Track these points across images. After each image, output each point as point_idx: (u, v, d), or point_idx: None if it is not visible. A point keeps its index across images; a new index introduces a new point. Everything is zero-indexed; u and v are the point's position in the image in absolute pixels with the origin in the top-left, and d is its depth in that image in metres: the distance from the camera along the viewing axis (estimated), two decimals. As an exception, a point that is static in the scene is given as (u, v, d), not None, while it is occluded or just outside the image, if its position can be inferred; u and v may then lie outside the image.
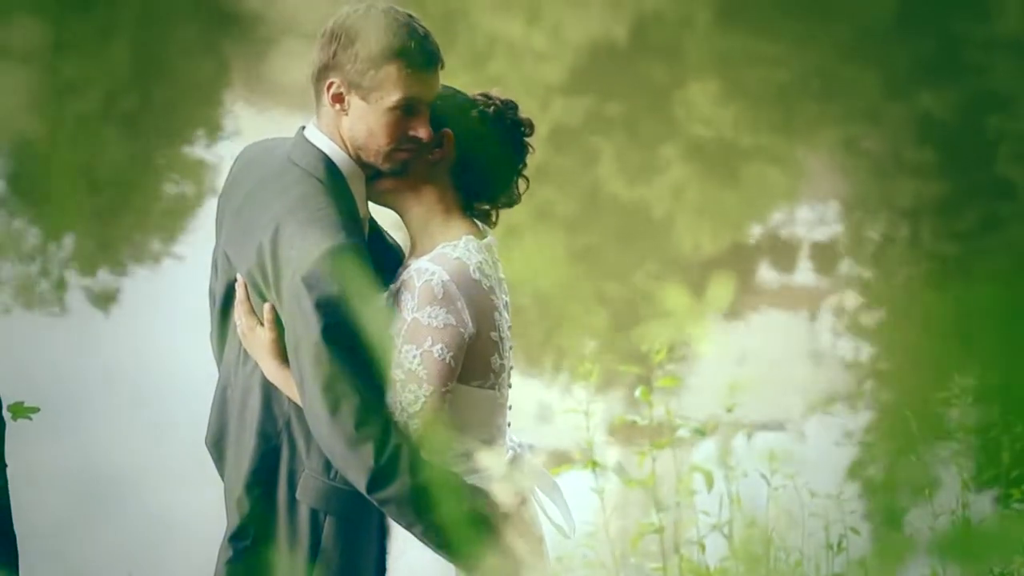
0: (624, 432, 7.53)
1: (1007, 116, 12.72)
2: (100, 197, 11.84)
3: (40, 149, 12.14)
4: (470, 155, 3.56)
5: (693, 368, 8.60)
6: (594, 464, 5.62)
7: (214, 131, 13.41)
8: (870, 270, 11.49)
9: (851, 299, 11.04)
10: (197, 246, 11.16)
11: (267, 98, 13.96)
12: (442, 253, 3.48)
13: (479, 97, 3.60)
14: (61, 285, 10.47)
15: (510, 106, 3.61)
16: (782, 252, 11.59)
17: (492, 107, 3.58)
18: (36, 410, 4.38)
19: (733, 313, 10.77)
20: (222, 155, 12.73)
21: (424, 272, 3.44)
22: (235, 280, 3.54)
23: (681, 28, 13.85)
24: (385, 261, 3.62)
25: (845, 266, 11.57)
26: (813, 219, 12.13)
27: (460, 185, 3.56)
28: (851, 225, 12.01)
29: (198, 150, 13.05)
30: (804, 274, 11.45)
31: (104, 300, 10.36)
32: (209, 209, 11.83)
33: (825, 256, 11.60)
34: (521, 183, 3.64)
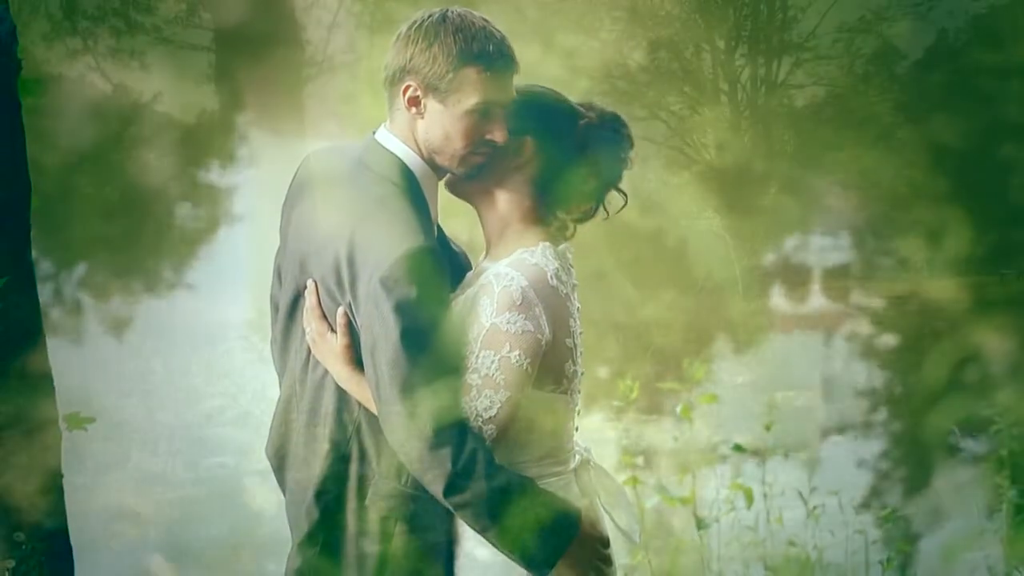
0: (644, 453, 7.53)
1: (1021, 144, 12.73)
2: (113, 225, 11.84)
3: (53, 177, 12.15)
4: (552, 165, 3.53)
5: (698, 391, 8.60)
6: (635, 481, 5.63)
7: (228, 158, 13.40)
8: (882, 297, 11.50)
9: (864, 325, 11.05)
10: (209, 274, 11.16)
11: (281, 125, 13.95)
12: (520, 259, 3.47)
13: (580, 106, 3.56)
14: (75, 311, 10.46)
15: (607, 120, 3.56)
16: (795, 279, 11.60)
17: (585, 120, 3.53)
18: (92, 420, 4.36)
19: (745, 339, 10.77)
20: (235, 182, 12.73)
21: (503, 277, 3.43)
22: (304, 287, 3.53)
23: (695, 54, 13.85)
24: (451, 266, 3.61)
25: (858, 293, 11.58)
26: (826, 246, 12.14)
27: (539, 193, 3.53)
28: (864, 252, 12.02)
29: (212, 177, 13.05)
30: (817, 300, 11.46)
31: (117, 326, 10.35)
32: (222, 236, 11.86)
33: (838, 283, 11.61)
34: (617, 199, 3.61)
